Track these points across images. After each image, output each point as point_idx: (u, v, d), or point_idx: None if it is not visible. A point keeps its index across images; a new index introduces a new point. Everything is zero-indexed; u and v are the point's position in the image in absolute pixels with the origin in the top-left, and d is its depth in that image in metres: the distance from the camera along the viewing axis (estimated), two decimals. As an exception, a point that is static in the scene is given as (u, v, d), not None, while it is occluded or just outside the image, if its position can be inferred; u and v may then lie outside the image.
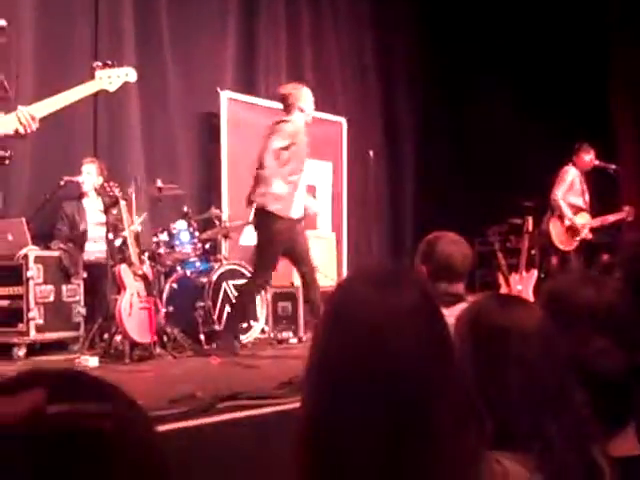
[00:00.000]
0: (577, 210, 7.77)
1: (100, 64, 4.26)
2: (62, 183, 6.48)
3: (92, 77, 4.24)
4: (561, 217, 7.70)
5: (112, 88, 4.34)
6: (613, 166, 7.93)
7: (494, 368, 1.32)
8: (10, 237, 6.09)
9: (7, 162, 4.10)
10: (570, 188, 7.75)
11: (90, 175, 6.60)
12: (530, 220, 7.17)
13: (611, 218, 7.92)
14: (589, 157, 7.81)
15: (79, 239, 6.55)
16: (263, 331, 6.87)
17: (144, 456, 0.70)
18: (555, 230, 7.70)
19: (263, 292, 6.80)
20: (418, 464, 0.99)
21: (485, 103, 9.28)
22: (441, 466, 1.00)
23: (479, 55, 9.85)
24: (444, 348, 1.06)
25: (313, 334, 1.13)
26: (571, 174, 7.77)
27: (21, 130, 3.94)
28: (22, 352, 5.68)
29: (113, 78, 4.32)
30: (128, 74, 4.41)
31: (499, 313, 1.38)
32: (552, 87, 9.20)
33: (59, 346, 6.01)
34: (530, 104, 8.99)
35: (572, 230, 7.70)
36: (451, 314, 1.50)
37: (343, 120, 9.59)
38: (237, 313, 6.12)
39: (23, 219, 6.19)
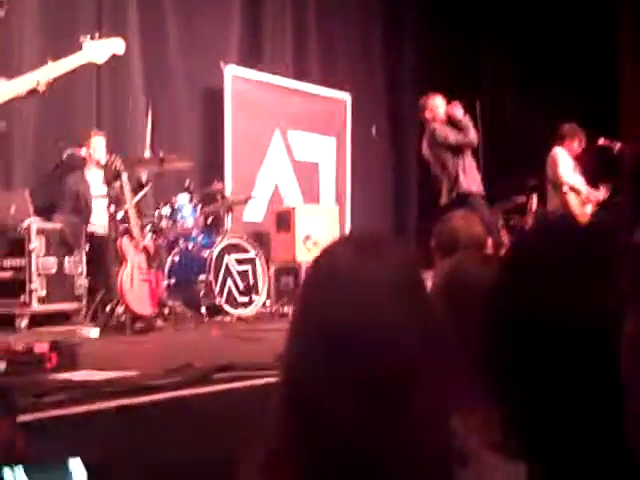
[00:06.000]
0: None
1: (88, 36, 4.25)
2: (65, 155, 6.49)
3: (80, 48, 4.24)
4: (575, 191, 7.60)
5: (100, 60, 4.31)
6: (618, 144, 7.86)
7: (465, 331, 1.31)
8: (13, 209, 6.10)
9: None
10: (569, 167, 7.72)
11: (98, 149, 6.60)
12: (534, 198, 7.16)
13: (600, 196, 7.84)
14: (576, 144, 7.67)
15: (82, 212, 6.55)
16: (265, 305, 6.89)
17: None
18: (573, 203, 7.63)
19: (267, 266, 6.87)
20: (393, 432, 0.99)
21: (491, 82, 9.24)
22: (419, 440, 1.00)
23: (487, 33, 9.79)
24: (425, 317, 1.05)
25: (297, 294, 1.14)
26: (563, 155, 7.68)
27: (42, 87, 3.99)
28: (24, 323, 5.72)
29: (101, 50, 4.28)
30: (116, 46, 4.35)
31: (475, 274, 1.37)
32: (560, 60, 9.12)
33: (61, 317, 6.03)
34: (535, 82, 8.93)
35: (584, 204, 7.64)
36: None
37: (347, 96, 9.55)
38: None
39: (26, 190, 6.20)
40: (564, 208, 7.62)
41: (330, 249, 1.12)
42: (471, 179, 6.70)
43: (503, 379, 0.92)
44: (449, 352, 1.10)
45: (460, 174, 6.64)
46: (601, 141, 7.82)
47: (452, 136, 6.67)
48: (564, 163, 7.65)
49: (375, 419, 0.98)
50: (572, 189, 7.63)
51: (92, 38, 4.25)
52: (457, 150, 6.68)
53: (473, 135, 6.69)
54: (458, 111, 6.74)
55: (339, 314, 1.01)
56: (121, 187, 5.90)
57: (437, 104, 6.81)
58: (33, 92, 4.03)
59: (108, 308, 5.70)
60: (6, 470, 1.18)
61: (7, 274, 5.93)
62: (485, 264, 1.42)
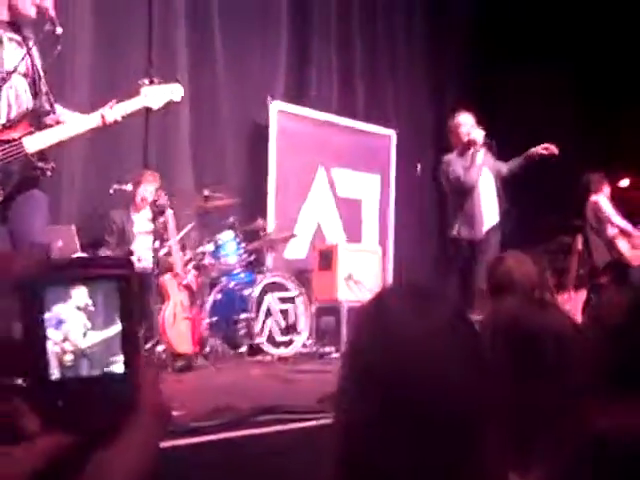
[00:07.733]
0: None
1: (147, 81, 4.27)
2: (112, 192, 6.54)
3: (138, 93, 4.24)
4: (625, 234, 7.67)
5: (156, 106, 4.33)
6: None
7: (529, 376, 1.27)
8: (60, 243, 6.16)
9: (49, 174, 4.08)
10: (612, 211, 7.86)
11: (148, 190, 6.55)
12: (580, 239, 7.06)
13: None
14: (608, 189, 7.96)
15: (127, 246, 6.59)
16: (305, 345, 6.84)
17: None
18: (624, 247, 7.69)
19: (308, 305, 6.82)
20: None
21: (536, 122, 9.16)
22: None
23: (534, 70, 9.72)
24: (479, 367, 1.04)
25: (347, 343, 1.15)
26: (604, 201, 7.82)
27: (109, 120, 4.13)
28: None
29: (158, 96, 4.32)
30: (174, 92, 4.39)
31: (537, 318, 1.34)
32: (610, 100, 9.07)
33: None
34: (581, 123, 8.86)
35: (635, 247, 7.75)
36: None
37: (392, 132, 9.55)
38: None
39: (73, 226, 6.26)
40: (614, 254, 7.59)
41: (380, 299, 1.11)
42: (478, 220, 6.23)
43: None
44: (504, 401, 1.10)
45: (465, 213, 6.24)
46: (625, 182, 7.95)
47: (452, 173, 6.24)
48: (608, 207, 7.70)
49: (432, 466, 0.98)
50: (621, 232, 7.60)
51: (151, 83, 4.27)
52: (457, 190, 6.23)
53: (471, 176, 6.17)
54: (479, 137, 6.20)
55: (392, 365, 1.01)
56: (165, 223, 5.93)
57: (461, 122, 6.34)
58: (94, 130, 4.14)
59: (149, 346, 5.71)
60: None
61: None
62: (545, 309, 1.39)
